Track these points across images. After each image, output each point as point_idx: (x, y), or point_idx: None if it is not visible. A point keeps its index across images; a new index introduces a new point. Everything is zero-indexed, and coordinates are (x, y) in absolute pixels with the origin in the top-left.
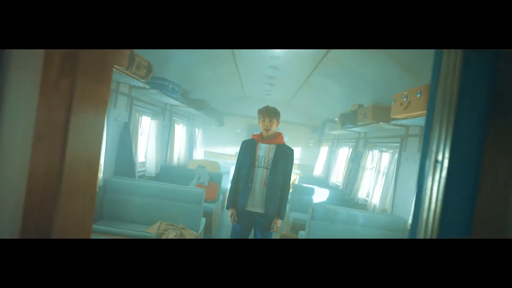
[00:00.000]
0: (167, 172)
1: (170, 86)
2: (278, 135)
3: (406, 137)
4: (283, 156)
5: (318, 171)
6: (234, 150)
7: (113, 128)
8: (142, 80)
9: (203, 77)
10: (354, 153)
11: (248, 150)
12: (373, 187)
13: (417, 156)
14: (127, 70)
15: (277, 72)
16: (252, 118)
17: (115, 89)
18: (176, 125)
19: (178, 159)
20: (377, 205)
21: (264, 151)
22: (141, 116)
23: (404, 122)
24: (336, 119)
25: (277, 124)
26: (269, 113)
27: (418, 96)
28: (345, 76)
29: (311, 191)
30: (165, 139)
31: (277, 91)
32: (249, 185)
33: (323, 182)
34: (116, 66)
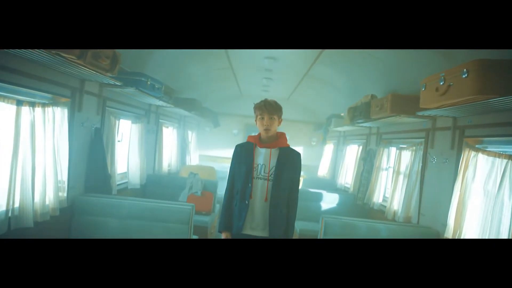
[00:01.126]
0: (155, 182)
1: (148, 83)
2: (281, 136)
3: (433, 131)
4: (289, 163)
5: (323, 171)
6: (231, 152)
7: (79, 135)
8: (108, 75)
9: (192, 74)
10: (365, 151)
11: (243, 157)
12: (391, 190)
13: (449, 154)
14: (79, 60)
15: (274, 64)
16: (249, 117)
17: (79, 88)
18: (164, 129)
19: (169, 166)
20: (399, 212)
21: (264, 158)
22: (118, 120)
23: (434, 113)
24: (343, 114)
25: (279, 122)
26: (269, 109)
27: (465, 76)
28: (353, 64)
29: (319, 197)
30: (152, 145)
31: (276, 86)
32: (247, 202)
33: (330, 184)
34: (62, 55)
